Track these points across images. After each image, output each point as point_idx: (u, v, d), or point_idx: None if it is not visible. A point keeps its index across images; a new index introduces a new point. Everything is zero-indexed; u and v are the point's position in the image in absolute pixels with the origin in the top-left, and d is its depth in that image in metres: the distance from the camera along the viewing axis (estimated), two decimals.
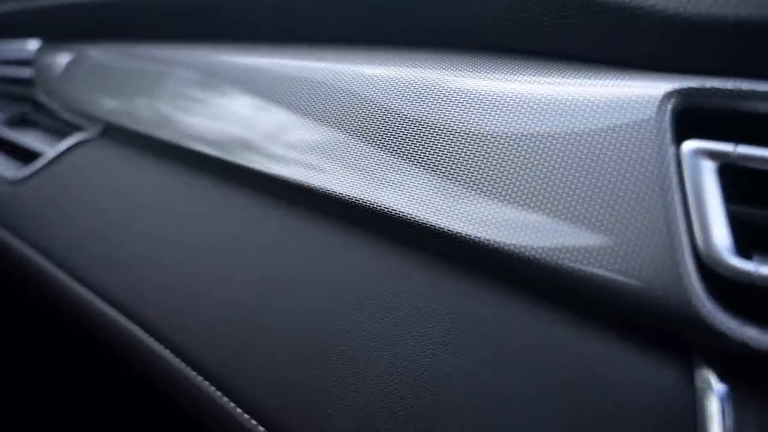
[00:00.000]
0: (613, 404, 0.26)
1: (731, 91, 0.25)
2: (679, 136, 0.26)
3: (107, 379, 0.85)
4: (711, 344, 0.24)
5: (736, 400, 0.24)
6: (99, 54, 0.64)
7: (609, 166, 0.26)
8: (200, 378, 0.40)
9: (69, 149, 0.60)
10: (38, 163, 0.62)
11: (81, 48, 0.67)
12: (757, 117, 0.25)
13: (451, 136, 0.31)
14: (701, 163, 0.25)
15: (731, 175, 0.25)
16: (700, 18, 0.26)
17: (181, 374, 0.41)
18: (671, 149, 0.25)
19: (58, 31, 0.71)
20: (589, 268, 0.25)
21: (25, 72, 0.72)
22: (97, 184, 0.55)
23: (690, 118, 0.26)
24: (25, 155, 0.66)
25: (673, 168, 0.25)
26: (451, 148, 0.31)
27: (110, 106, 0.58)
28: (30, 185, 0.62)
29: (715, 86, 0.25)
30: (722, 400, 0.23)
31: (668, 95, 0.26)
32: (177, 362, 0.42)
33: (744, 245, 0.24)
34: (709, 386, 0.24)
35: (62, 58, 0.68)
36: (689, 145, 0.25)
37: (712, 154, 0.25)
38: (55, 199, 0.58)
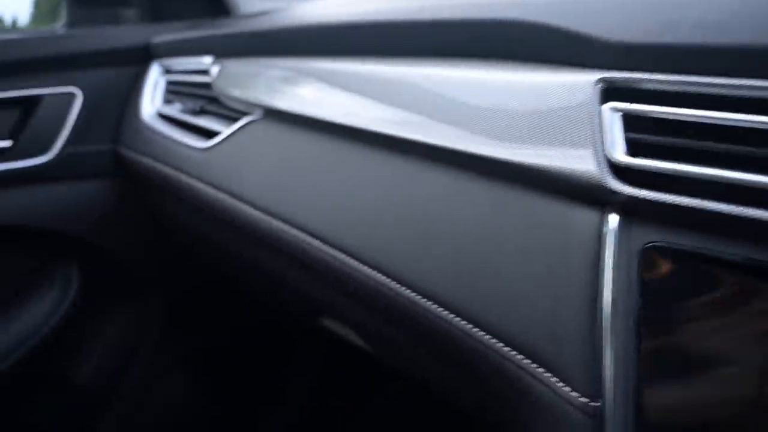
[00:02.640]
0: (558, 247, 0.50)
1: (634, 78, 0.49)
2: (604, 101, 0.50)
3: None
4: (612, 200, 0.48)
5: (624, 231, 0.47)
6: (255, 64, 0.93)
7: (565, 116, 0.51)
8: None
9: (240, 128, 0.90)
10: (219, 138, 0.92)
11: (241, 60, 0.97)
12: (646, 91, 0.49)
13: (475, 111, 0.57)
14: (612, 114, 0.49)
15: (632, 119, 0.49)
16: (619, 42, 0.50)
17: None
18: (598, 108, 0.49)
19: (224, 49, 1.02)
20: (549, 165, 0.50)
21: (203, 78, 1.03)
22: (263, 151, 0.84)
23: (613, 92, 0.50)
24: (207, 134, 0.97)
25: (597, 116, 0.49)
26: (474, 117, 0.57)
27: (268, 96, 0.87)
28: (215, 152, 0.92)
29: (624, 76, 0.49)
30: (615, 232, 0.47)
31: (599, 80, 0.50)
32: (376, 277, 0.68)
33: (636, 154, 0.48)
34: (609, 227, 0.48)
35: (229, 68, 0.99)
36: (607, 105, 0.49)
37: (618, 109, 0.48)
38: (234, 161, 0.88)
